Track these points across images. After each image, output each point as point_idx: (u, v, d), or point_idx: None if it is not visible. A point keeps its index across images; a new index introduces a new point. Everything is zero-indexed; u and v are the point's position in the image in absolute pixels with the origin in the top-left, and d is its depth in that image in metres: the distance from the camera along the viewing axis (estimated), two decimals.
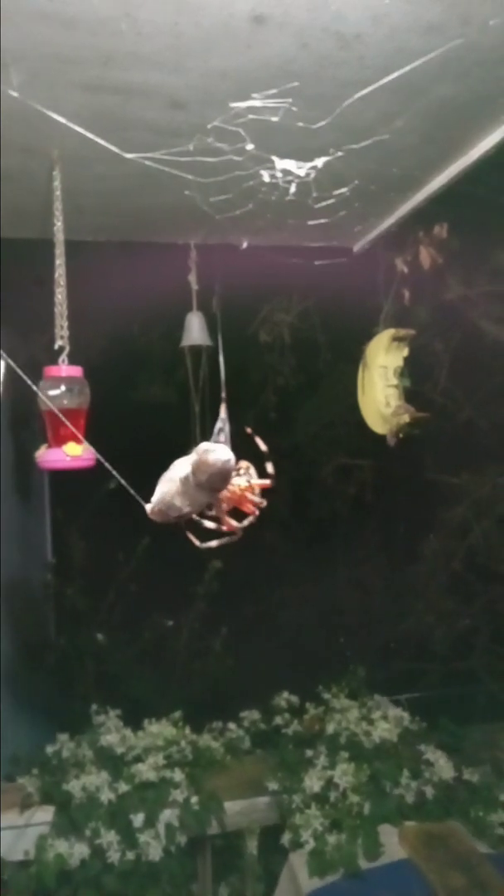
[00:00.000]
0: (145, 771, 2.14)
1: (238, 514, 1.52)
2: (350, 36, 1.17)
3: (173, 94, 1.34)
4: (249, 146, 1.34)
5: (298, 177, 1.45)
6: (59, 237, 1.61)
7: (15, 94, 1.30)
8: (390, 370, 2.17)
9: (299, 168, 1.43)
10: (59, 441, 1.56)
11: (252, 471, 1.54)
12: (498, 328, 2.60)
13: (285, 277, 2.41)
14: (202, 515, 1.48)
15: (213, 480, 1.39)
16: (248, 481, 1.51)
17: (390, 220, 2.10)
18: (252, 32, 1.17)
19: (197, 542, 1.52)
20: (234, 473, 1.46)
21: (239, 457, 1.46)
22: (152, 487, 1.42)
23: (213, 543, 1.51)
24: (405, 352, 2.18)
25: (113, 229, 2.15)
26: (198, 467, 1.37)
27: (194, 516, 1.46)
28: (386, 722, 2.33)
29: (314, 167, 1.43)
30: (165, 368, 3.28)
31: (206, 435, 2.33)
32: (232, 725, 2.49)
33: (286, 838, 2.07)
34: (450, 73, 1.31)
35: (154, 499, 1.43)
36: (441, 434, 3.08)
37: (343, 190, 1.55)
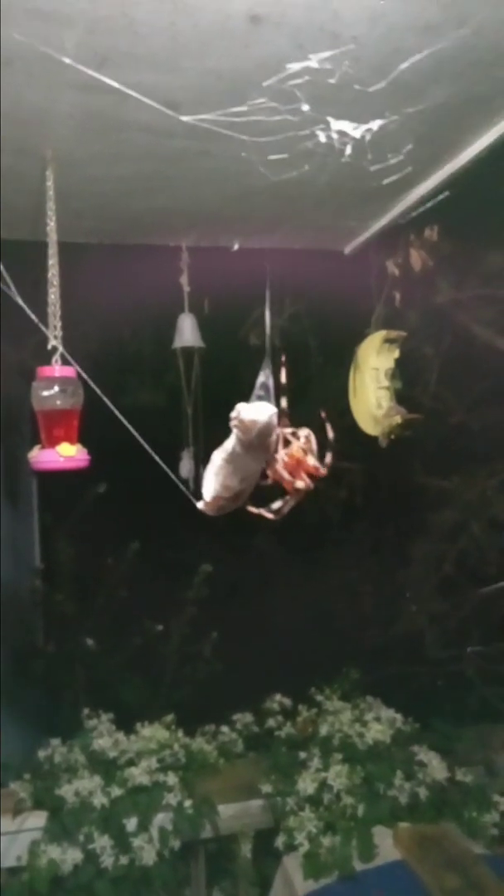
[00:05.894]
0: (138, 775, 2.13)
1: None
2: (347, 36, 1.18)
3: (169, 95, 1.34)
4: (305, 107, 1.33)
5: (354, 138, 1.45)
6: (53, 237, 1.61)
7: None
8: (382, 372, 2.18)
9: (355, 129, 1.42)
10: (53, 442, 1.55)
11: (313, 442, 1.54)
12: (488, 331, 2.61)
13: (276, 280, 2.42)
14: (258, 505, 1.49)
15: (261, 437, 1.38)
16: (304, 450, 1.52)
17: (381, 223, 2.11)
18: (248, 32, 1.17)
19: (270, 515, 1.52)
20: (292, 437, 1.47)
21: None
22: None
23: (277, 504, 1.52)
24: (396, 353, 2.19)
25: (105, 232, 2.15)
26: (241, 429, 1.37)
27: (250, 508, 1.47)
28: (379, 723, 2.32)
29: (369, 129, 1.43)
30: (155, 372, 3.27)
31: (199, 437, 2.35)
32: (224, 728, 2.49)
33: (280, 841, 2.07)
34: (444, 74, 1.32)
35: (205, 492, 1.43)
36: (431, 437, 3.09)
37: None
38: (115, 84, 1.26)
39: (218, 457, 1.46)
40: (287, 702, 2.54)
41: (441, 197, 1.83)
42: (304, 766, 2.21)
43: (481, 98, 1.43)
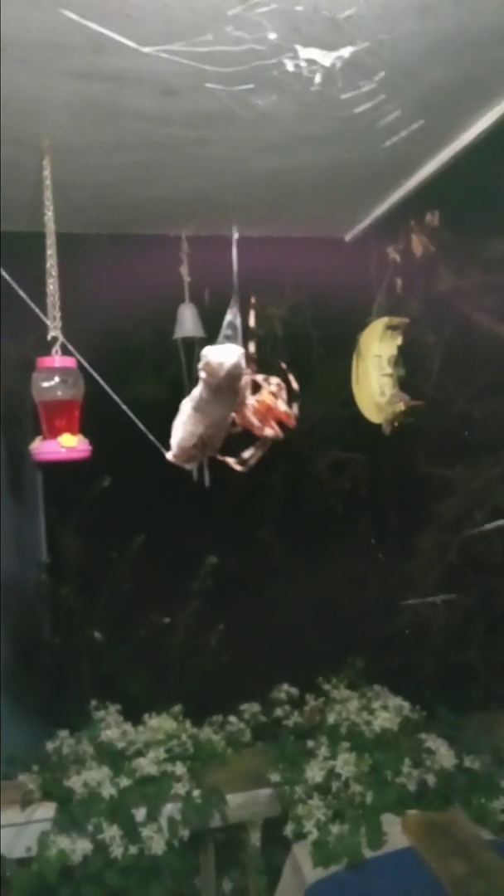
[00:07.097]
0: (146, 765, 2.13)
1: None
2: (341, 18, 1.17)
3: (164, 81, 1.34)
4: (272, 35, 1.26)
5: (323, 66, 1.36)
6: (50, 227, 1.60)
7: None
8: (384, 359, 2.17)
9: (325, 57, 1.34)
10: (54, 433, 1.55)
11: (284, 394, 1.53)
12: (490, 318, 2.60)
13: (277, 269, 2.41)
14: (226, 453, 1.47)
15: (229, 380, 1.35)
16: (274, 394, 1.50)
17: (381, 209, 2.10)
18: (242, 15, 1.16)
19: (238, 467, 1.51)
20: (263, 382, 1.46)
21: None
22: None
23: (246, 454, 1.51)
24: (399, 340, 2.17)
25: (104, 222, 2.14)
26: (208, 372, 1.34)
27: (219, 457, 1.45)
28: (386, 712, 2.32)
29: (340, 57, 1.34)
30: (156, 363, 3.27)
31: None
32: (232, 718, 2.49)
33: (289, 830, 2.07)
34: (441, 55, 1.31)
35: (173, 442, 1.42)
36: (434, 426, 3.08)
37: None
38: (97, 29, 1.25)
39: (186, 405, 1.42)
40: (294, 691, 2.54)
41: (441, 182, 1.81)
42: (312, 755, 2.21)
43: (479, 80, 1.42)
